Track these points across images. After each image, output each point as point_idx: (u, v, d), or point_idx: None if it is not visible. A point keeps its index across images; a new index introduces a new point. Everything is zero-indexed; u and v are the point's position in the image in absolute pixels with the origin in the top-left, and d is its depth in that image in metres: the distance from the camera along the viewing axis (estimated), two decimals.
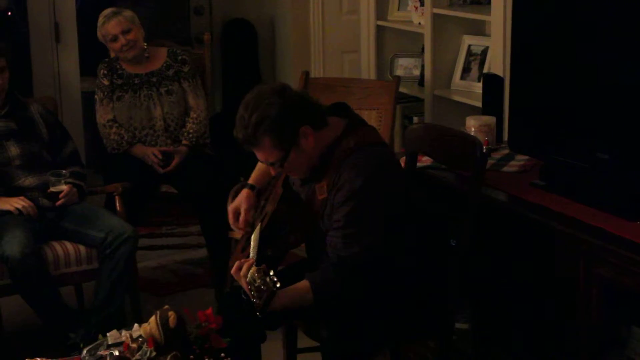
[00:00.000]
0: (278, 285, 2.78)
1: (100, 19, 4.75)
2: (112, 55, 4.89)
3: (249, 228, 3.25)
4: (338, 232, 3.03)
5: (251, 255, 3.06)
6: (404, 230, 3.13)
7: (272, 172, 3.13)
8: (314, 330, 3.24)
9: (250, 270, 2.85)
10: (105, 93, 4.76)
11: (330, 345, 3.10)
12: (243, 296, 2.94)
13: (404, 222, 3.12)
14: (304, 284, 3.04)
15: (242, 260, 2.99)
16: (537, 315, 3.28)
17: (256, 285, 2.79)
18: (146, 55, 4.80)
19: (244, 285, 2.94)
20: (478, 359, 3.63)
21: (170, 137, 4.75)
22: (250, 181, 3.36)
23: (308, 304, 3.04)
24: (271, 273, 2.79)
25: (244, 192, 3.32)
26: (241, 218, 3.28)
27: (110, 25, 4.69)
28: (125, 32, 4.70)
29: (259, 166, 3.36)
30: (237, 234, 3.42)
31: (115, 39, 4.70)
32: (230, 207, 3.32)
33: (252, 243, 3.09)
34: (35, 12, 5.47)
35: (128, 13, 4.74)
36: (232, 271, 3.01)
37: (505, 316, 3.46)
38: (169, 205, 4.94)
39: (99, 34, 4.76)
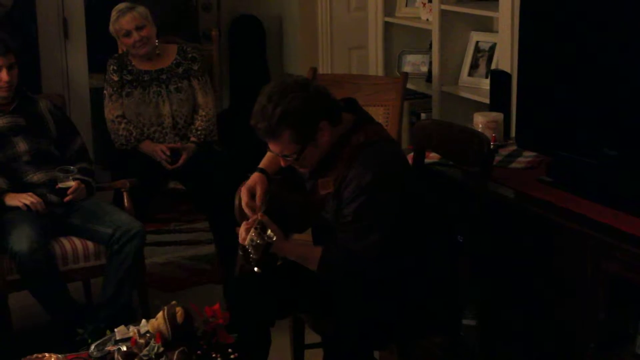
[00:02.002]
0: (274, 239, 2.89)
1: (114, 13, 4.75)
2: (120, 51, 4.91)
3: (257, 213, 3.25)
4: (348, 227, 3.04)
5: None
6: (411, 226, 3.13)
7: (282, 164, 3.13)
8: (320, 325, 3.25)
9: (250, 233, 2.90)
10: (115, 89, 4.77)
11: (333, 339, 3.11)
12: (240, 252, 2.99)
13: (411, 218, 3.12)
14: (317, 249, 3.09)
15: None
16: (544, 311, 3.28)
17: (254, 244, 2.88)
18: (157, 52, 4.81)
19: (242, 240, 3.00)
20: (485, 355, 3.62)
21: (179, 134, 4.76)
22: (261, 166, 3.33)
23: (309, 267, 3.09)
24: (268, 232, 2.88)
25: (257, 175, 3.28)
26: (258, 196, 3.21)
27: (125, 20, 4.70)
28: (139, 28, 4.70)
29: (269, 154, 3.35)
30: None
31: (128, 34, 4.71)
32: (244, 187, 3.27)
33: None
34: (44, 9, 5.48)
35: (142, 9, 4.75)
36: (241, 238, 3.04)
37: (512, 312, 3.45)
38: (177, 201, 4.96)
39: (111, 29, 4.76)
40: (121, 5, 4.77)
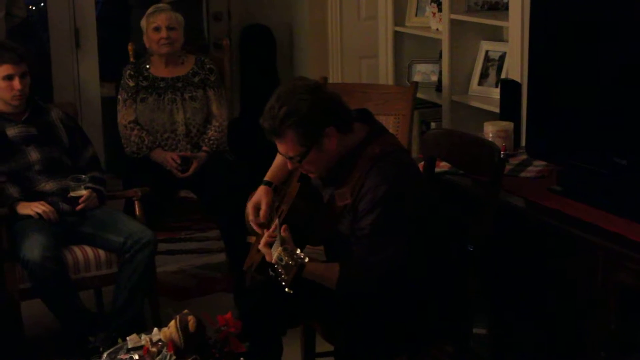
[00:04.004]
0: (306, 260, 2.82)
1: (152, 8, 4.84)
2: (132, 59, 4.93)
3: (266, 227, 3.26)
4: (365, 240, 3.04)
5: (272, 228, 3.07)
6: (423, 236, 3.13)
7: (289, 166, 3.15)
8: (332, 334, 3.26)
9: (277, 251, 2.86)
10: (129, 94, 4.79)
11: (345, 349, 3.11)
12: (271, 272, 2.96)
13: (423, 227, 3.13)
14: (334, 267, 3.07)
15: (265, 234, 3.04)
16: (555, 321, 3.28)
17: (283, 263, 2.83)
18: (181, 61, 4.84)
19: (267, 257, 2.97)
20: None
21: (191, 142, 4.78)
22: (267, 178, 3.37)
23: (329, 286, 3.07)
24: (297, 251, 2.83)
25: (262, 188, 3.32)
26: (262, 211, 3.27)
27: (161, 16, 4.76)
28: (169, 28, 4.75)
29: (276, 163, 3.38)
30: (253, 238, 3.42)
31: (158, 29, 4.75)
32: (249, 203, 3.32)
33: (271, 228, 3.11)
34: (56, 18, 5.51)
35: (179, 16, 4.83)
36: (260, 246, 3.03)
37: (523, 321, 3.46)
38: (188, 210, 4.97)
39: (143, 21, 4.81)
40: (161, 4, 4.86)
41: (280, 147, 3.08)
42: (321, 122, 3.01)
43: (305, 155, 3.04)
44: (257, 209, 3.30)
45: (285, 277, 2.83)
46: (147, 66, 4.83)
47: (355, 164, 3.08)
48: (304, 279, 3.02)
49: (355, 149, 3.10)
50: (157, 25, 4.75)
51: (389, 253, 3.02)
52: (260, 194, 3.31)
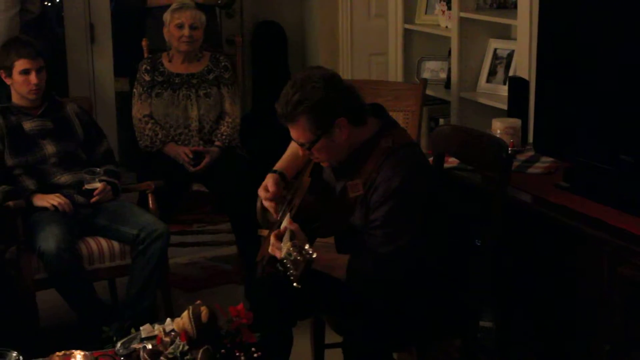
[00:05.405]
0: (315, 255, 2.83)
1: (177, 3, 4.87)
2: (146, 55, 4.98)
3: (278, 214, 3.30)
4: (377, 231, 3.06)
5: (282, 226, 3.10)
6: (432, 230, 3.17)
7: (300, 152, 3.20)
8: (341, 326, 3.30)
9: (286, 246, 2.88)
10: (145, 88, 4.84)
11: (353, 341, 3.16)
12: (279, 267, 3.00)
13: (432, 221, 3.15)
14: (343, 259, 3.10)
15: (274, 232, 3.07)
16: (560, 315, 3.31)
17: (292, 258, 2.83)
18: (197, 58, 4.89)
19: (277, 253, 3.00)
20: (502, 357, 3.66)
21: (203, 138, 4.82)
22: (276, 168, 3.40)
23: (339, 277, 3.10)
24: (306, 246, 2.84)
25: (269, 175, 3.34)
26: (271, 189, 3.29)
27: (185, 14, 4.79)
28: (193, 27, 4.79)
29: (286, 155, 3.42)
30: (265, 231, 3.46)
31: (181, 26, 4.79)
32: (261, 188, 3.34)
33: (282, 226, 3.14)
34: (71, 14, 5.54)
35: (203, 15, 4.86)
36: (270, 248, 3.06)
37: (529, 315, 3.49)
38: (200, 203, 5.01)
39: (167, 15, 4.84)
40: (186, 1, 4.89)
41: (292, 132, 3.11)
42: (333, 112, 3.04)
43: (314, 142, 3.08)
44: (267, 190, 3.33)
45: (294, 273, 2.84)
46: (163, 62, 4.88)
47: (368, 156, 3.11)
48: (313, 272, 3.07)
49: (368, 141, 3.13)
50: (180, 23, 4.78)
51: (400, 245, 3.04)
52: (267, 179, 3.33)
